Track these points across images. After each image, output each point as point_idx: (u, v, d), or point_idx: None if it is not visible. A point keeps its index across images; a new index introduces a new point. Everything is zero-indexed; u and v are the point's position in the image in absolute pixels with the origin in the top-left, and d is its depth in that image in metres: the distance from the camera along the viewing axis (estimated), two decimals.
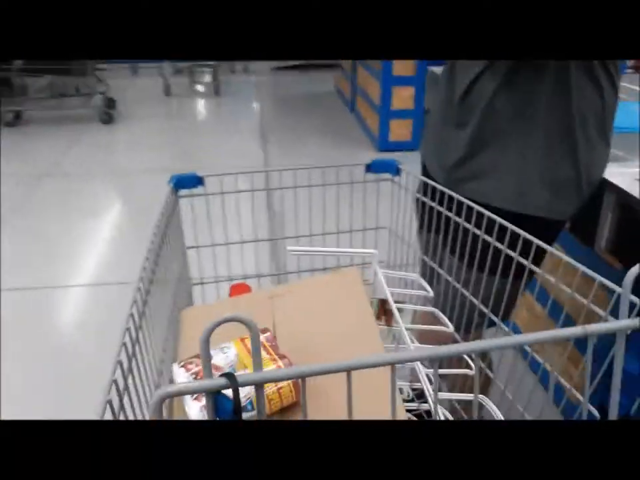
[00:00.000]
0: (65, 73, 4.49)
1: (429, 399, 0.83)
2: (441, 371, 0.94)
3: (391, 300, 0.96)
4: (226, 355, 0.71)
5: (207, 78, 5.73)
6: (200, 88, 5.81)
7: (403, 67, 3.60)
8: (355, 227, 1.24)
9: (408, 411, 0.80)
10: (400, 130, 3.78)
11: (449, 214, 1.01)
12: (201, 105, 5.49)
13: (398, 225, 1.21)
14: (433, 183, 1.05)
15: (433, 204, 1.05)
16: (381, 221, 1.23)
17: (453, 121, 1.14)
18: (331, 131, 4.51)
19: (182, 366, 0.72)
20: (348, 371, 0.42)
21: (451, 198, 1.00)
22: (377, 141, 3.95)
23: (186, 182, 1.10)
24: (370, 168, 1.17)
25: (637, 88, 2.10)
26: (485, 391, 1.05)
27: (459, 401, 0.98)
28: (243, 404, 0.61)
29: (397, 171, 1.16)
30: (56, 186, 3.46)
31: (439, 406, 0.65)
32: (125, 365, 0.61)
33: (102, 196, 3.38)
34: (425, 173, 1.26)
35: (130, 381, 0.62)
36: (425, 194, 1.10)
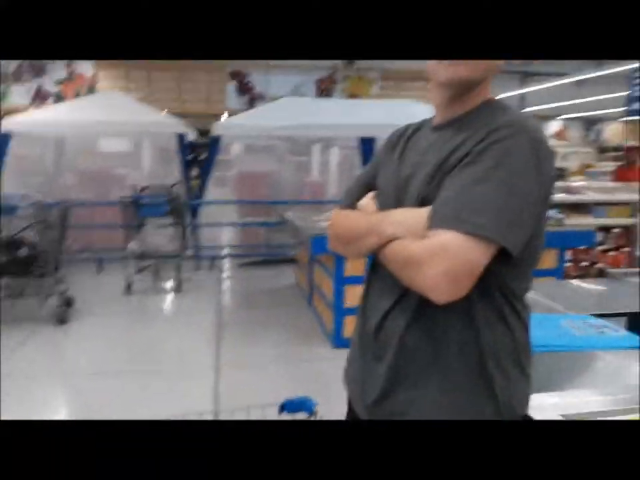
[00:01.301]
0: (24, 275, 4.52)
1: None
2: None
3: None
4: None
5: (171, 275, 5.83)
6: (163, 285, 5.89)
7: (354, 267, 3.73)
8: None
9: None
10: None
11: None
12: (161, 302, 5.49)
13: None
14: None
15: None
16: None
17: (370, 353, 1.11)
18: (289, 325, 4.51)
19: None
20: None
21: None
22: (332, 337, 3.92)
23: None
24: (284, 408, 1.11)
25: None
26: None
27: None
28: None
29: (311, 411, 1.09)
30: None
31: None
32: None
33: (41, 402, 3.17)
34: (350, 407, 1.20)
35: None
36: None
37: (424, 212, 0.99)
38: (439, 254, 0.92)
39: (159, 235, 5.67)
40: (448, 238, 0.92)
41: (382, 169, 1.20)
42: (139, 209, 5.52)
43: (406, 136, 1.20)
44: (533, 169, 0.96)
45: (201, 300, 5.40)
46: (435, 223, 0.96)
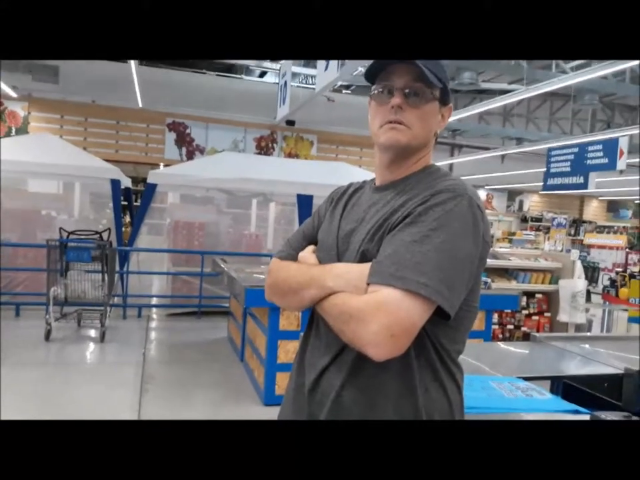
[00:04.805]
0: None
1: None
2: None
3: None
4: None
5: (95, 323, 5.55)
6: (87, 333, 5.59)
7: (288, 322, 3.70)
8: None
9: None
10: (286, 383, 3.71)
11: None
12: (83, 351, 5.19)
13: None
14: None
15: None
16: None
17: (304, 411, 1.10)
18: (218, 381, 4.36)
19: None
20: None
21: None
22: (263, 394, 3.82)
23: None
24: None
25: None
26: None
27: None
28: None
29: None
30: None
31: None
32: None
33: None
34: None
35: None
36: None
37: (365, 267, 1.01)
38: (379, 310, 0.93)
39: (85, 280, 5.42)
40: (388, 294, 0.94)
41: (324, 223, 1.23)
42: (65, 252, 5.29)
43: (348, 194, 1.23)
44: (471, 232, 1.01)
45: (126, 351, 5.15)
46: (375, 278, 0.98)
